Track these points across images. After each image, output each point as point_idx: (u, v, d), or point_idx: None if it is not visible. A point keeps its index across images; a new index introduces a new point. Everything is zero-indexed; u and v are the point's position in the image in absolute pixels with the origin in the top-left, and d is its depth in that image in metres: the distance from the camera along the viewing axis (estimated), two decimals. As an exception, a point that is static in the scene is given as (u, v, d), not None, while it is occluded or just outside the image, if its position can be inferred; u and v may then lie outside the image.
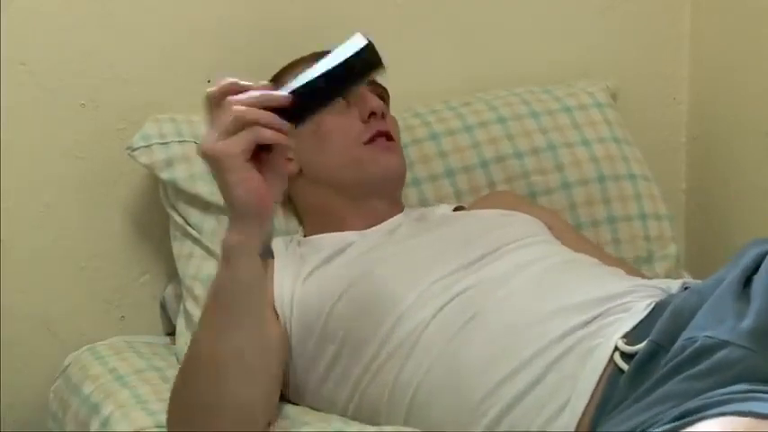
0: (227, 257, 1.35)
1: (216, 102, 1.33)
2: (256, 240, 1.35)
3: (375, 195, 1.75)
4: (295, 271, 1.63)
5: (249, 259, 1.35)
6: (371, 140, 1.74)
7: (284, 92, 1.33)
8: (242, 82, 1.34)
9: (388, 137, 1.76)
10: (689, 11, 2.26)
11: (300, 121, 1.33)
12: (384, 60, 1.33)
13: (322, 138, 1.75)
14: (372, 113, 1.75)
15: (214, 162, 1.32)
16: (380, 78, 1.82)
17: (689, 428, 1.14)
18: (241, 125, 1.30)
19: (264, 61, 1.88)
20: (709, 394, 1.21)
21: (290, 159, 1.80)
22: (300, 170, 1.78)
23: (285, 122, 1.32)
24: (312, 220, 1.79)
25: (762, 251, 1.39)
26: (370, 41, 1.33)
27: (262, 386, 1.43)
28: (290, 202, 1.85)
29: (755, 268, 1.36)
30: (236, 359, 1.38)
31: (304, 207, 1.82)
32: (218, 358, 1.38)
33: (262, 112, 1.31)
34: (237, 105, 1.31)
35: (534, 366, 1.39)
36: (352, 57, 1.32)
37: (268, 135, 1.30)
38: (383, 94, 1.83)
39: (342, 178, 1.74)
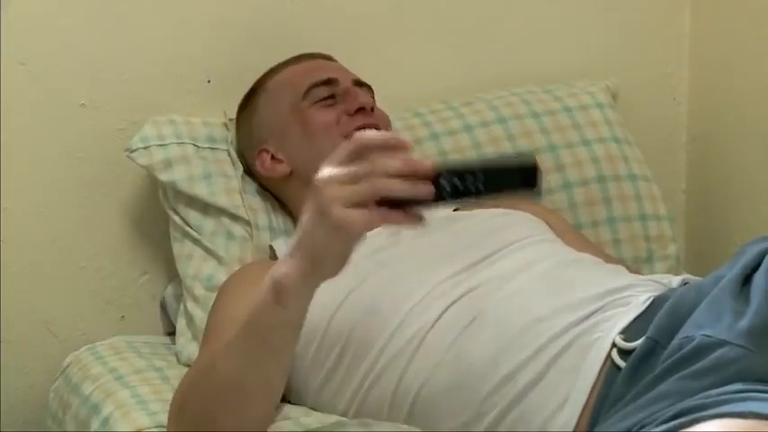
0: (280, 295, 1.24)
1: (357, 153, 1.19)
2: (316, 288, 1.26)
3: None
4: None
5: (303, 303, 1.27)
6: (359, 129, 1.72)
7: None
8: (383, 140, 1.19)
9: (377, 128, 1.74)
10: (689, 11, 2.26)
11: (434, 202, 1.18)
12: (541, 190, 1.18)
13: (310, 134, 1.76)
14: (361, 108, 1.75)
15: (336, 225, 1.18)
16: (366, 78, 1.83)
17: (687, 429, 1.14)
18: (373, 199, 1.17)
19: (264, 61, 1.88)
20: (706, 394, 1.20)
21: (279, 161, 1.80)
22: (291, 171, 1.79)
23: (420, 217, 1.18)
24: None
25: (763, 249, 1.38)
26: (538, 165, 1.19)
27: (276, 403, 1.42)
28: (285, 206, 1.86)
29: (756, 266, 1.36)
30: (265, 388, 1.35)
31: (300, 210, 1.81)
32: (247, 387, 1.33)
33: (404, 190, 1.16)
34: (382, 180, 1.16)
35: (535, 364, 1.39)
36: (513, 167, 1.18)
37: (399, 220, 1.17)
38: (371, 93, 1.83)
39: None
